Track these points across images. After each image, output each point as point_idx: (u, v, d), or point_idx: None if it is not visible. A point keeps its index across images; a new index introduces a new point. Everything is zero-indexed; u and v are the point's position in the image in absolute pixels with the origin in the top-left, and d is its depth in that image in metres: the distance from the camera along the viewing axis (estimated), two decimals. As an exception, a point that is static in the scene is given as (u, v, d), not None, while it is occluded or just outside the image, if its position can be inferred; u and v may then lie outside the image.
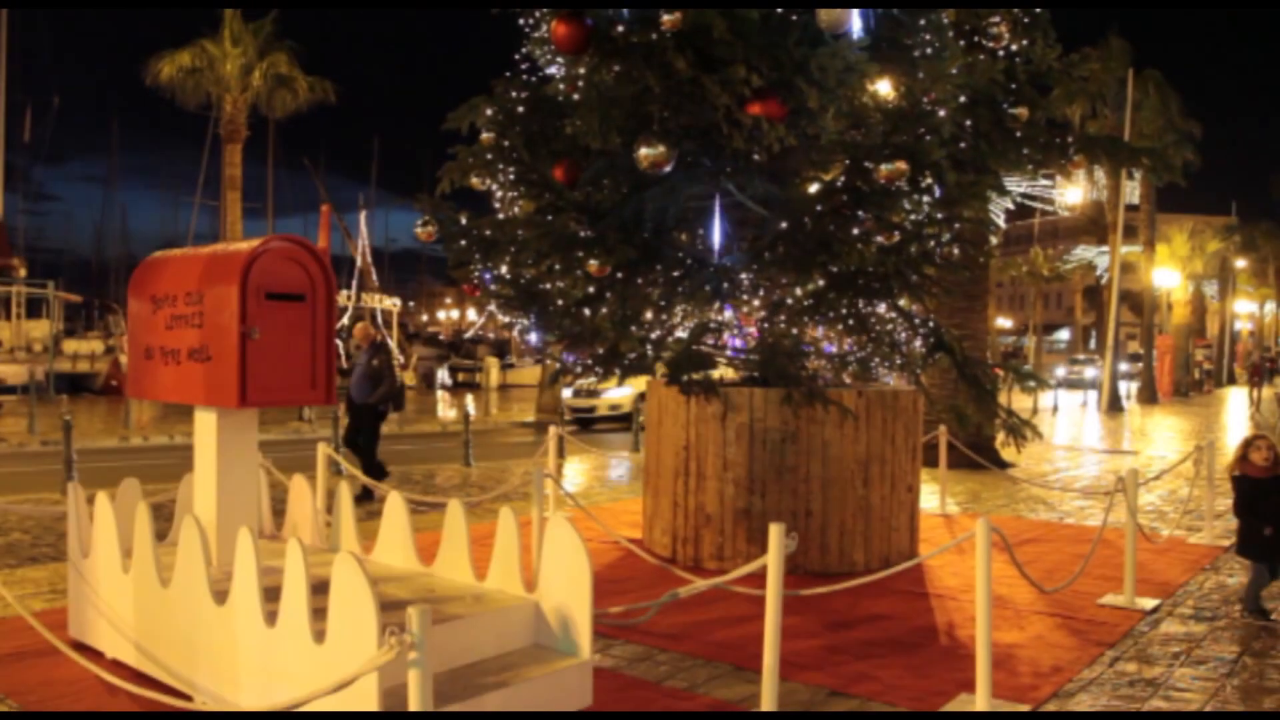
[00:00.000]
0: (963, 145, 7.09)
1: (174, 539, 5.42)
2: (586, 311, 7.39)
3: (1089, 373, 42.10)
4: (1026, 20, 8.04)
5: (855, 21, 6.79)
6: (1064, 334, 72.40)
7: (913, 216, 6.85)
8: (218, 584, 4.39)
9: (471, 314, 68.45)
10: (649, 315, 7.45)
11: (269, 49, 28.94)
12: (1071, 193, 29.41)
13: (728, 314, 7.68)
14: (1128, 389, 35.01)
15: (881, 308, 7.61)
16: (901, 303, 7.60)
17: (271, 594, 4.06)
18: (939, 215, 6.91)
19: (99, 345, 34.19)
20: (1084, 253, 46.53)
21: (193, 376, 5.11)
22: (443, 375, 41.96)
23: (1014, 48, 7.99)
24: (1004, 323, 75.46)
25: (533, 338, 7.97)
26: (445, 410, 27.93)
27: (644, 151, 6.49)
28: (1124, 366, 39.01)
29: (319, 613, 3.82)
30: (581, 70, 7.49)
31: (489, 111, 7.59)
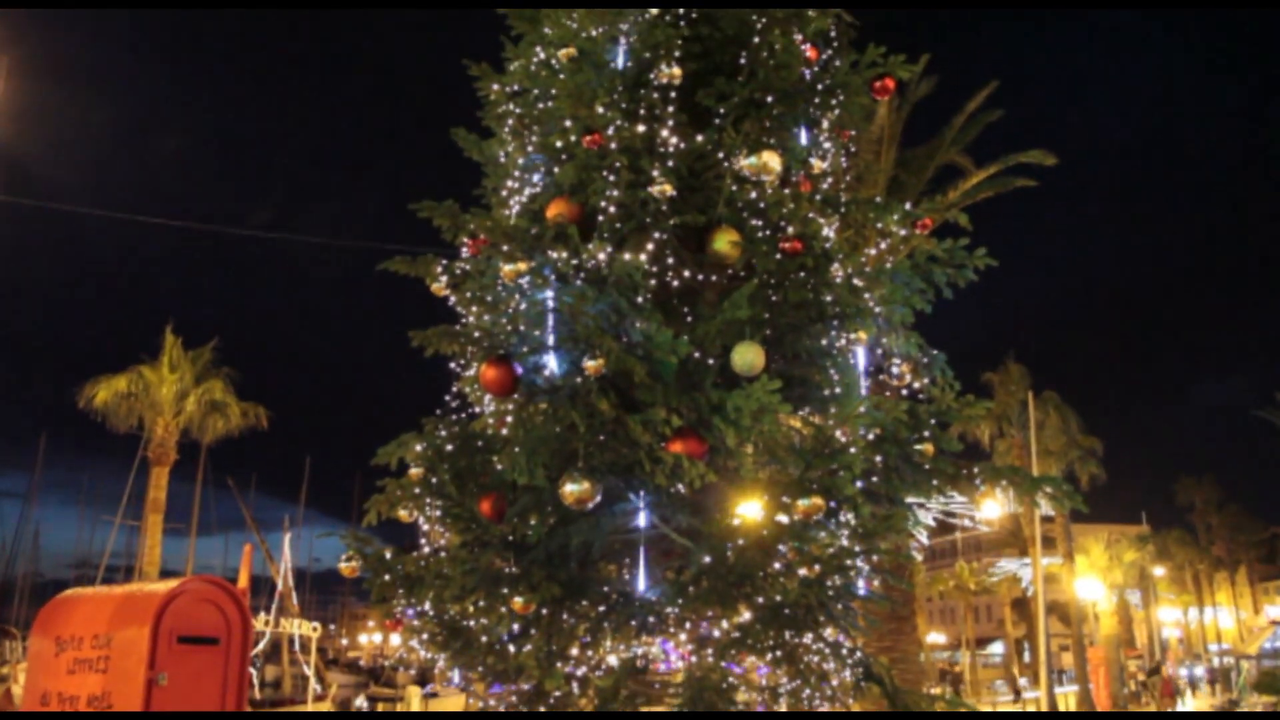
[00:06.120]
0: (874, 479, 7.43)
1: None
2: (511, 648, 7.27)
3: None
4: (925, 361, 8.66)
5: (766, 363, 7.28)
6: (998, 647, 71.56)
7: (830, 550, 7.04)
8: None
9: (395, 638, 65.83)
10: (575, 650, 7.35)
11: (205, 375, 29.47)
12: (989, 508, 30.25)
13: (654, 649, 7.60)
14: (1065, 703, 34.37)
15: (808, 638, 7.60)
16: (828, 633, 7.62)
17: None
18: (857, 548, 7.12)
19: (-10, 672, 31.88)
20: (1007, 565, 47.11)
21: (92, 731, 4.87)
22: (360, 704, 39.53)
23: (916, 385, 8.55)
24: (937, 638, 74.58)
25: (455, 676, 7.74)
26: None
27: (569, 488, 6.68)
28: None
29: None
30: (509, 406, 7.82)
31: (418, 448, 7.80)
